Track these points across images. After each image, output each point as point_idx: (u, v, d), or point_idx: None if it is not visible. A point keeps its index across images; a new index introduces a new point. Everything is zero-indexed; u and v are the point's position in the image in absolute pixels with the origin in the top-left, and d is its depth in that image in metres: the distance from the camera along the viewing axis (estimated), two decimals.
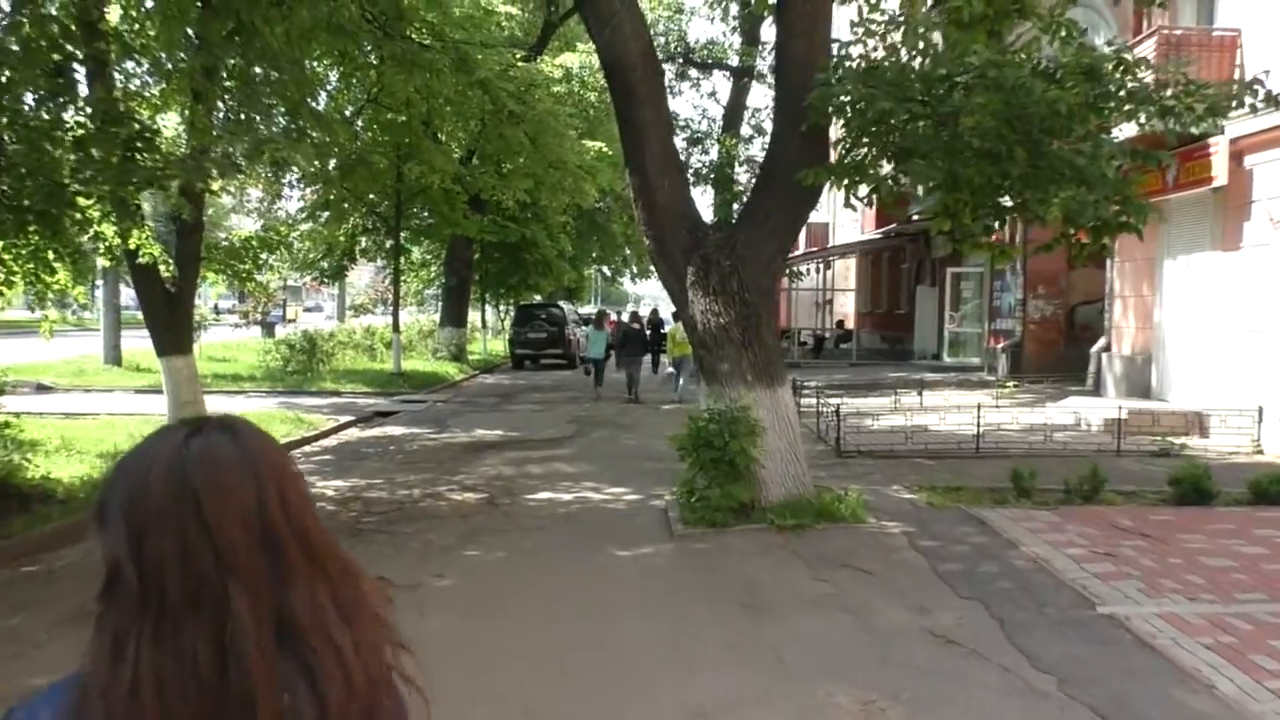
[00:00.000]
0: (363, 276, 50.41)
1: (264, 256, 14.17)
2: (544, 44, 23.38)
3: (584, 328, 30.98)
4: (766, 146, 8.59)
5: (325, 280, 24.26)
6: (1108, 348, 16.51)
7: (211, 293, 19.59)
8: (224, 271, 13.73)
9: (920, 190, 8.69)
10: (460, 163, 22.05)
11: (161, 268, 12.34)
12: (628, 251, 46.23)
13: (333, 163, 20.50)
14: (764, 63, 24.33)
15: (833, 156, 8.24)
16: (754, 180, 9.54)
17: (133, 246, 11.39)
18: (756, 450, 8.04)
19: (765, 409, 8.27)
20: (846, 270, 37.36)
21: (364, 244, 24.08)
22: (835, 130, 8.43)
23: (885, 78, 7.13)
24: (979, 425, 11.83)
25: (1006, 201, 8.20)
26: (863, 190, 8.16)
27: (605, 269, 53.42)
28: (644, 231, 8.64)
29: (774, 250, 8.37)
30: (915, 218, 24.24)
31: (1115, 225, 7.42)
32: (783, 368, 8.57)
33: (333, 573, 1.10)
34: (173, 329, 12.77)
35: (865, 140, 7.67)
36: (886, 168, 7.92)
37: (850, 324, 35.10)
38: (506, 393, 21.45)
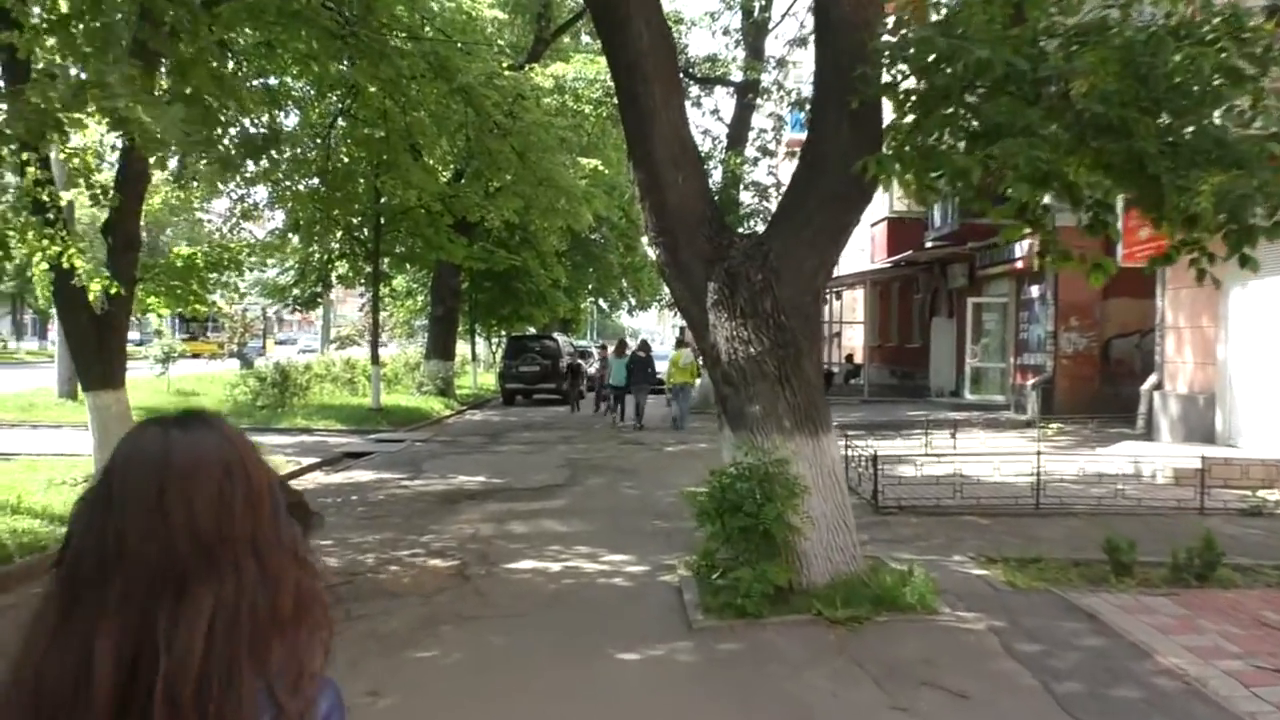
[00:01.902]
0: (354, 309, 48.78)
1: (213, 278, 12.43)
2: (536, 57, 21.86)
3: (580, 360, 29.48)
4: (806, 127, 6.90)
5: (298, 308, 22.47)
6: (1159, 386, 14.82)
7: (155, 320, 17.80)
8: (165, 295, 12.01)
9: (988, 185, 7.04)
10: (448, 183, 20.47)
11: (91, 286, 10.63)
12: (625, 283, 44.89)
13: (310, 181, 18.99)
14: (769, 77, 22.82)
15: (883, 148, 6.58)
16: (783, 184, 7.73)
17: (64, 264, 9.72)
18: (798, 516, 6.30)
19: (807, 463, 6.54)
20: (854, 302, 35.75)
21: (342, 269, 22.32)
22: (888, 112, 6.78)
23: (968, 23, 5.48)
24: (1038, 477, 10.09)
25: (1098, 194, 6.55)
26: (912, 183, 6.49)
27: (602, 301, 51.94)
28: (652, 239, 6.95)
29: (815, 263, 6.68)
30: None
31: (1272, 229, 5.72)
32: (828, 410, 6.85)
33: (244, 574, 1.10)
34: (102, 360, 11.00)
35: (935, 116, 5.99)
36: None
37: (859, 358, 33.44)
38: (495, 431, 19.67)
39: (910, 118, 6.31)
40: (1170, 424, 14.00)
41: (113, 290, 9.37)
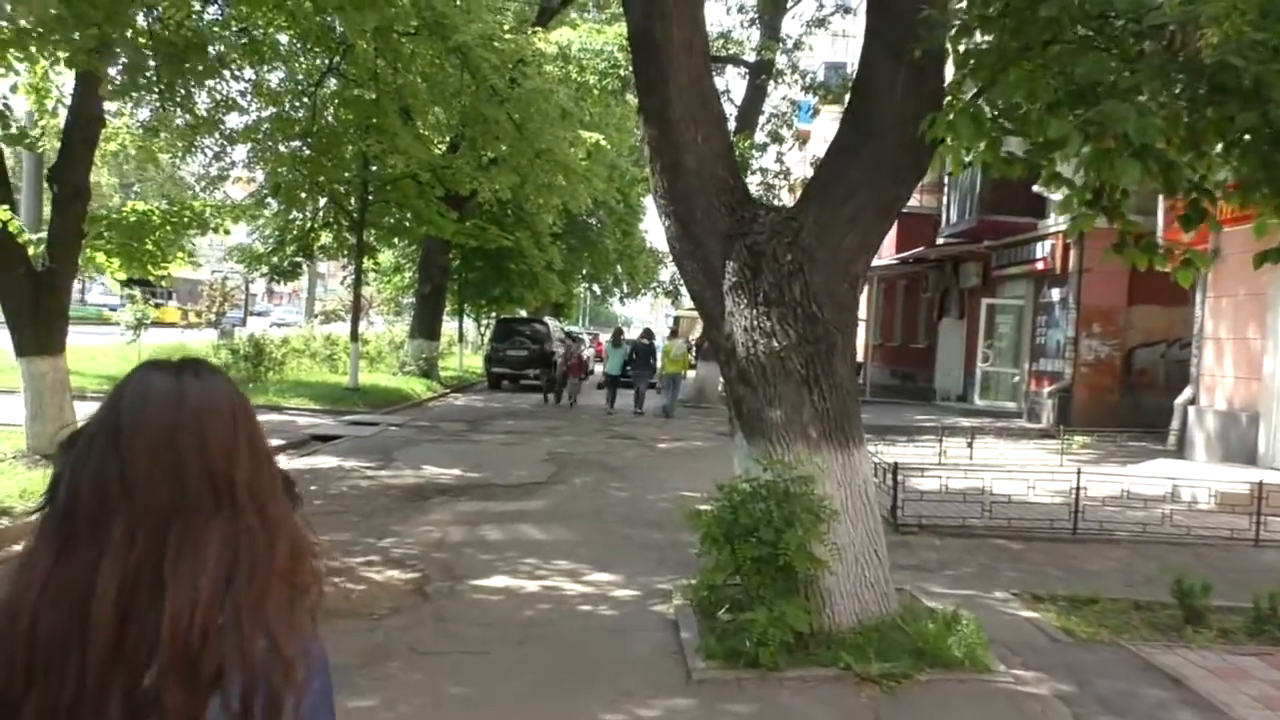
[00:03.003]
0: (342, 282, 47.44)
1: (173, 237, 11.27)
2: (543, 24, 20.65)
3: (569, 345, 28.61)
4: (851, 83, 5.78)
5: (276, 278, 21.29)
6: (1194, 400, 13.80)
7: (112, 282, 16.46)
8: (118, 254, 10.85)
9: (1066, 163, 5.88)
10: (442, 155, 19.31)
11: (21, 240, 9.50)
12: (619, 269, 43.87)
13: (293, 144, 17.82)
14: (784, 58, 21.66)
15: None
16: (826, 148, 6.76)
17: None
18: (823, 546, 5.23)
19: (835, 481, 5.47)
20: None
21: (325, 239, 21.12)
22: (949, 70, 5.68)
23: None
24: (1077, 499, 9.05)
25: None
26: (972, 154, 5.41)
27: (595, 287, 50.87)
28: (663, 208, 5.84)
29: (855, 245, 5.58)
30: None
31: None
32: (860, 420, 5.77)
33: (245, 516, 1.12)
34: (38, 323, 9.87)
35: (1012, 74, 4.90)
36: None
37: (859, 357, 32.38)
38: (476, 417, 18.56)
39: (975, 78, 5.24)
40: (1206, 442, 12.98)
41: (32, 246, 8.19)
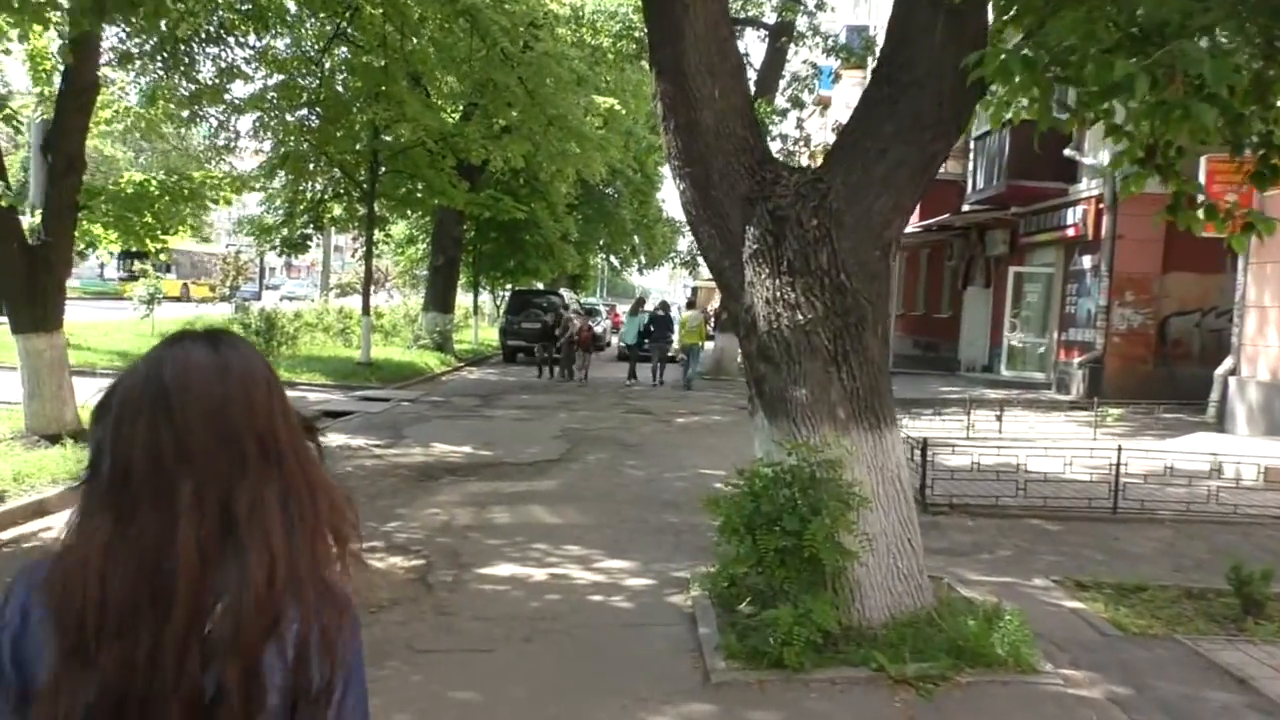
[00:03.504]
0: (356, 255, 46.98)
1: (174, 210, 10.90)
2: None
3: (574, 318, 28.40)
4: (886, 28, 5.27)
5: (286, 251, 20.92)
6: (1234, 371, 13.24)
7: (104, 254, 15.93)
8: (115, 227, 10.49)
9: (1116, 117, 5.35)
10: (453, 124, 18.85)
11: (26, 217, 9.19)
12: (636, 240, 43.36)
13: (301, 113, 17.41)
14: (805, 20, 20.96)
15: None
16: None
17: None
18: (853, 536, 4.82)
19: (865, 465, 5.04)
20: None
21: (336, 211, 20.72)
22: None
23: None
24: (1117, 476, 8.58)
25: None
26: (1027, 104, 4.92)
27: (613, 258, 50.36)
28: (677, 170, 5.39)
29: (889, 208, 5.12)
30: (972, 204, 20.94)
31: None
32: (892, 399, 5.34)
33: (290, 476, 1.20)
34: (34, 299, 9.54)
35: (1066, 16, 4.40)
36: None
37: None
38: (490, 391, 18.22)
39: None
40: (1249, 414, 12.45)
41: (26, 216, 7.83)
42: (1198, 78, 3.93)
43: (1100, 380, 17.23)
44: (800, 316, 4.99)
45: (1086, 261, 18.16)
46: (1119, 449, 8.66)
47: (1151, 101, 4.02)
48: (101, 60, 11.15)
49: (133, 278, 25.99)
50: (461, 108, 20.39)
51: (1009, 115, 5.03)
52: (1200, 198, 5.52)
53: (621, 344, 22.17)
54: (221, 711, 1.12)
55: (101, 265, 38.35)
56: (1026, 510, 8.50)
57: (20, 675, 1.14)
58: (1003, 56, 4.05)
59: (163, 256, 18.00)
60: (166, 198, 10.39)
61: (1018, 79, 4.29)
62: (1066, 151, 18.18)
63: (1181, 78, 4.02)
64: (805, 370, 5.01)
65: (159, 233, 10.73)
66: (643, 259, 49.03)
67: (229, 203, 11.84)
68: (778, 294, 5.03)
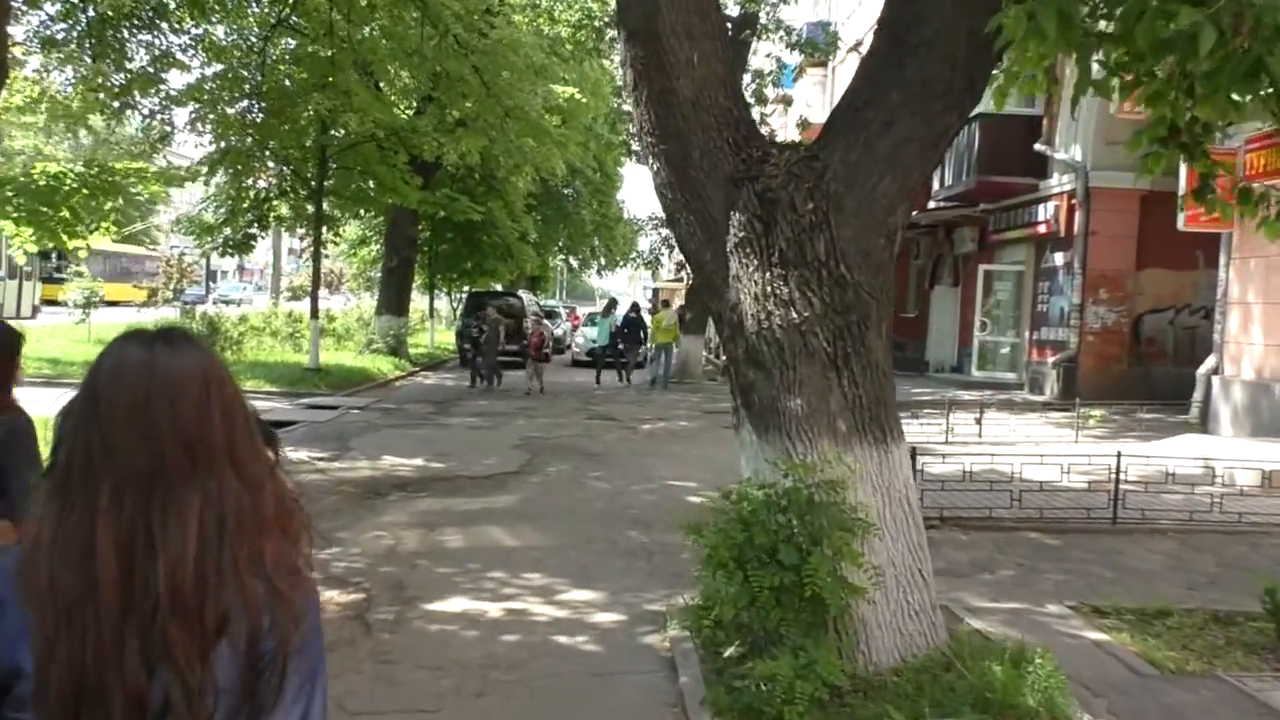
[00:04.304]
0: (303, 256, 45.58)
1: (94, 203, 9.98)
2: None
3: (545, 322, 27.98)
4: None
5: (229, 251, 19.89)
6: (1217, 370, 12.84)
7: (15, 249, 14.71)
8: (27, 222, 9.56)
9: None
10: (407, 118, 17.99)
11: None
12: (596, 242, 42.71)
13: (242, 105, 16.46)
14: (768, 13, 20.38)
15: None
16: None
17: None
18: (860, 569, 4.15)
19: (870, 486, 4.38)
20: None
21: (282, 210, 19.73)
22: None
23: None
24: (1116, 486, 8.03)
25: None
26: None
27: (572, 260, 49.61)
28: (650, 148, 4.69)
29: (894, 189, 4.45)
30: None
31: None
32: (896, 409, 4.68)
33: (222, 476, 1.20)
34: None
35: None
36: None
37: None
38: (445, 397, 17.39)
39: None
40: (1234, 414, 12.03)
41: None
42: (1272, 28, 3.32)
43: (1074, 380, 16.83)
44: (794, 314, 4.31)
45: (1059, 259, 17.77)
46: (1118, 455, 8.11)
47: (1220, 56, 3.40)
48: (18, 40, 10.23)
49: (46, 279, 24.68)
50: (415, 103, 19.53)
51: (1013, 89, 4.40)
52: (1237, 181, 4.94)
53: (593, 345, 22.32)
54: (169, 714, 1.13)
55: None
56: (1022, 522, 7.93)
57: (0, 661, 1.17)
58: (1032, 11, 3.39)
59: (80, 255, 16.89)
60: (84, 191, 9.47)
61: (1050, 37, 3.66)
62: (1037, 146, 17.79)
63: (1250, 28, 3.41)
64: (801, 376, 4.33)
65: (78, 229, 9.80)
66: (602, 260, 48.35)
67: (156, 198, 10.92)
68: (768, 289, 4.34)
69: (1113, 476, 8.09)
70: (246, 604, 1.15)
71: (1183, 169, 13.01)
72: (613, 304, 23.97)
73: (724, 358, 4.74)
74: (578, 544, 7.06)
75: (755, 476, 4.52)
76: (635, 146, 30.17)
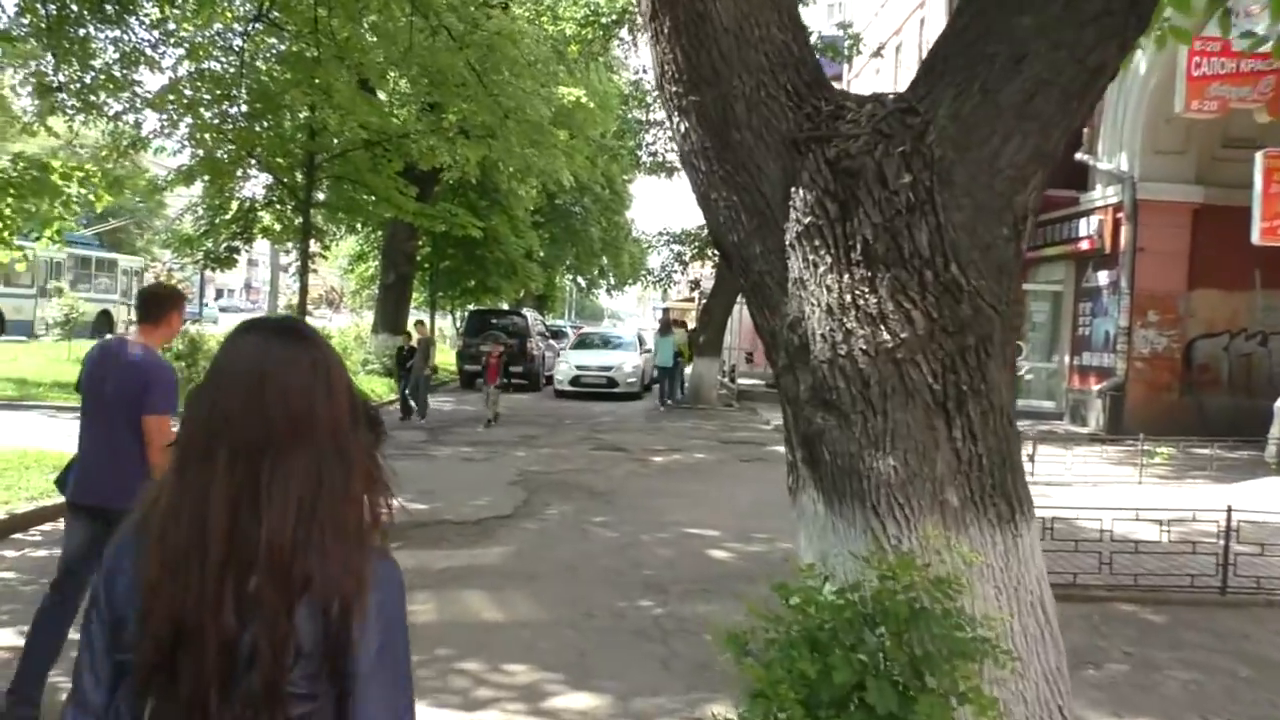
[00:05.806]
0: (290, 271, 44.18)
1: (30, 206, 8.72)
2: None
3: (551, 342, 26.92)
4: None
5: (211, 265, 18.68)
6: None
7: None
8: None
9: None
10: (401, 123, 16.75)
11: None
12: (605, 260, 41.64)
13: (223, 108, 15.25)
14: None
15: None
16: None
17: None
18: (985, 706, 2.78)
19: (994, 585, 3.02)
20: None
21: (267, 221, 18.50)
22: None
23: None
24: (1227, 549, 6.64)
25: None
26: None
27: (580, 279, 48.49)
28: (676, 100, 3.33)
29: (1025, 154, 3.10)
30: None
31: None
32: (1023, 472, 3.31)
33: (322, 449, 1.33)
34: None
35: None
36: None
37: None
38: (439, 423, 16.09)
39: None
40: None
41: None
42: None
43: (1122, 410, 15.45)
44: (885, 335, 2.96)
45: (1103, 278, 16.42)
46: (1228, 510, 6.73)
47: None
48: None
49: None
50: (415, 113, 18.34)
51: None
52: None
53: (656, 366, 21.68)
54: (255, 663, 1.25)
55: None
56: (1113, 592, 6.55)
57: (112, 608, 1.34)
58: None
59: (19, 268, 15.65)
60: (12, 191, 8.20)
61: None
62: (1078, 156, 16.47)
63: None
64: (894, 425, 2.98)
65: (6, 237, 8.53)
66: (611, 279, 47.12)
67: (93, 201, 9.67)
68: (847, 298, 3.00)
69: (1221, 533, 6.73)
70: (323, 570, 1.28)
71: (1258, 176, 11.74)
72: (668, 323, 21.87)
73: (779, 389, 3.38)
74: (576, 618, 5.70)
75: (824, 565, 3.16)
76: (644, 157, 29.02)
